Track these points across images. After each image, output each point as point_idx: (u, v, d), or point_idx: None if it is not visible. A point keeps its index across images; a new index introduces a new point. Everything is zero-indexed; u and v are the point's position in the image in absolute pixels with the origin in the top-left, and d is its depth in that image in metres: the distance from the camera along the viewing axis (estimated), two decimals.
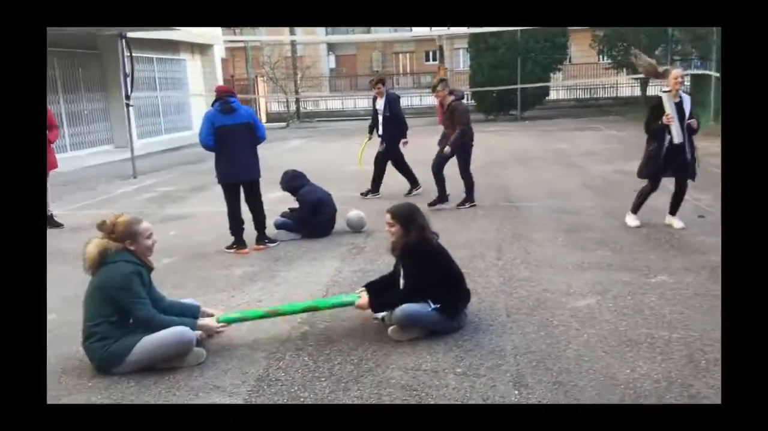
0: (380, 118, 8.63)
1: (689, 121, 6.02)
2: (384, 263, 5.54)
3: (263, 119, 25.65)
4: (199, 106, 22.29)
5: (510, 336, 3.88)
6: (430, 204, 7.51)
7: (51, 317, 4.60)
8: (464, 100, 7.27)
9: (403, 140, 8.69)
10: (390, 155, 8.62)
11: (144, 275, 3.70)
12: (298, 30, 26.27)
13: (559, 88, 25.32)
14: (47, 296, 4.99)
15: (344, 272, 5.36)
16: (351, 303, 3.97)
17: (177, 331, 3.60)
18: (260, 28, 30.45)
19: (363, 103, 28.80)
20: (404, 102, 28.20)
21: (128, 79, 11.11)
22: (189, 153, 15.83)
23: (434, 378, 3.38)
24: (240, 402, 3.24)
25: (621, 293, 4.54)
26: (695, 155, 6.16)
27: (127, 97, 11.31)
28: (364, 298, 3.92)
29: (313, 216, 6.50)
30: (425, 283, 3.86)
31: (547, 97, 22.98)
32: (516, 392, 3.19)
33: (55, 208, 7.85)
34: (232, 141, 5.86)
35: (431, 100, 28.20)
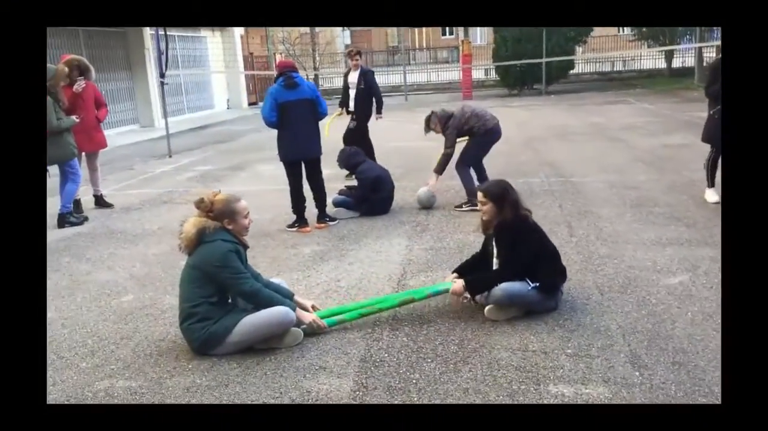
0: (352, 93, 8.20)
1: None
2: (453, 241, 5.46)
3: None
4: (220, 84, 22.17)
5: (611, 315, 3.78)
6: (457, 207, 6.64)
7: (128, 298, 4.56)
8: (452, 120, 6.49)
9: (376, 116, 8.29)
10: (360, 131, 8.13)
11: (242, 253, 3.62)
12: None
13: (581, 62, 24.91)
14: (119, 277, 4.98)
15: (415, 250, 5.28)
16: (446, 290, 3.88)
17: (280, 311, 3.53)
18: None
19: (380, 79, 28.58)
20: (422, 77, 28.14)
21: (163, 57, 10.97)
22: (215, 132, 15.75)
23: (546, 359, 3.30)
24: (350, 383, 3.17)
25: (711, 269, 4.43)
26: None
27: (162, 75, 11.18)
28: (458, 283, 3.83)
29: (373, 194, 6.40)
30: (523, 261, 3.76)
31: (571, 71, 22.64)
32: (637, 373, 3.10)
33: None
34: (296, 117, 5.74)
35: (448, 74, 28.05)
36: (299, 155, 5.91)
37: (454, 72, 28.29)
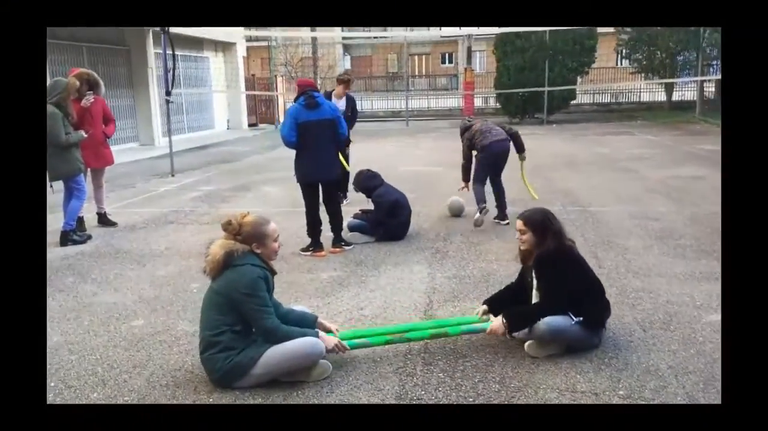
0: None
1: None
2: (476, 269, 5.24)
3: (281, 117, 25.43)
4: (221, 105, 22.05)
5: (658, 354, 3.56)
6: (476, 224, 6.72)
7: (138, 323, 4.30)
8: (467, 132, 6.90)
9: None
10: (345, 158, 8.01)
11: (270, 280, 3.39)
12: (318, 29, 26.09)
13: (581, 93, 24.98)
14: (127, 299, 4.72)
15: (438, 278, 5.05)
16: (483, 330, 3.66)
17: (307, 342, 3.29)
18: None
19: (379, 104, 28.58)
20: (422, 104, 28.17)
21: (170, 75, 10.80)
22: (217, 152, 15.54)
23: (598, 402, 3.06)
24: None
25: None
26: None
27: (168, 93, 11.00)
28: (497, 322, 3.59)
29: (390, 218, 6.19)
30: (566, 295, 3.55)
31: (572, 101, 22.68)
32: None
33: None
34: (315, 138, 5.55)
35: (447, 101, 28.14)
36: (318, 177, 5.70)
37: (453, 99, 28.38)
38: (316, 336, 3.43)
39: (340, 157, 7.78)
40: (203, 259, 3.42)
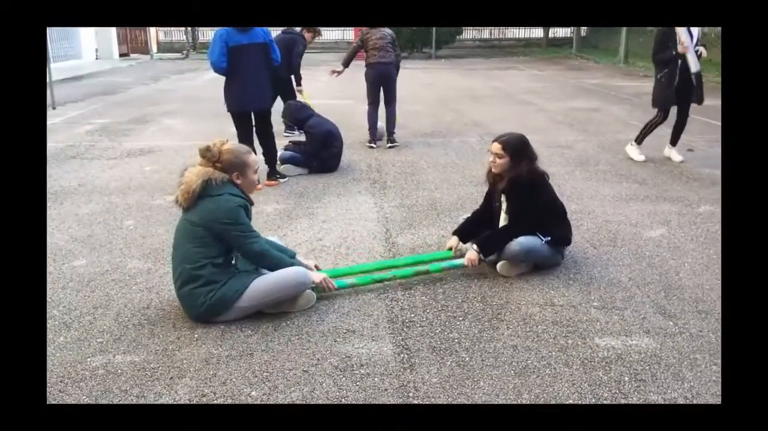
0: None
1: (698, 47, 6.06)
2: (420, 198, 5.29)
3: (154, 48, 23.73)
4: (88, 32, 20.17)
5: (616, 268, 3.82)
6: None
7: (81, 262, 3.97)
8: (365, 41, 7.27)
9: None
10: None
11: (249, 211, 3.21)
12: None
13: (466, 28, 25.36)
14: (59, 239, 4.32)
15: (386, 208, 5.05)
16: (462, 265, 3.71)
17: (296, 271, 3.20)
18: None
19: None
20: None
21: None
22: (95, 83, 14.34)
23: (577, 313, 3.26)
24: (389, 346, 2.95)
25: (683, 223, 4.62)
26: (701, 81, 6.20)
27: None
28: (471, 253, 3.68)
29: (322, 150, 6.05)
30: (536, 216, 3.68)
31: (459, 36, 23.03)
32: (671, 323, 3.14)
33: None
34: (247, 63, 5.24)
35: (332, 34, 27.48)
36: (250, 105, 5.42)
37: (338, 32, 27.77)
38: (306, 267, 3.35)
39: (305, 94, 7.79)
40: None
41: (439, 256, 3.89)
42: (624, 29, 17.97)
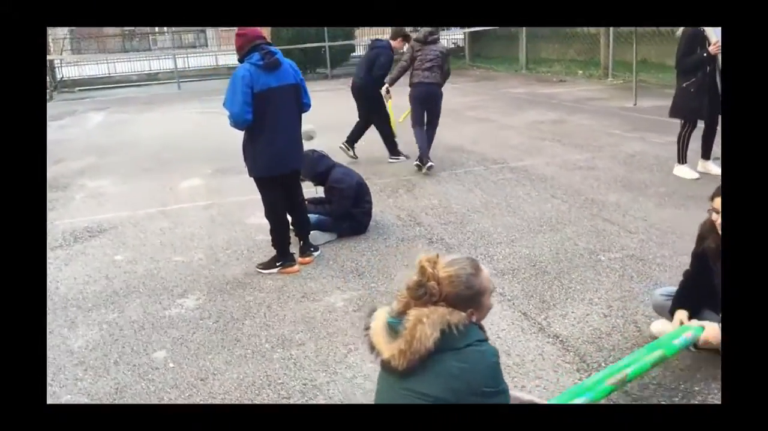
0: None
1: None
2: (510, 257, 4.32)
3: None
4: None
5: None
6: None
7: None
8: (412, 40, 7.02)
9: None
10: None
11: None
12: None
13: (360, 45, 24.69)
14: None
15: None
16: (697, 338, 2.85)
17: None
18: None
19: (123, 67, 24.84)
20: (168, 64, 24.99)
21: None
22: None
23: None
24: None
25: None
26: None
27: None
28: (713, 330, 2.82)
29: (354, 206, 4.86)
30: None
31: (352, 54, 22.33)
32: None
33: None
34: (278, 112, 3.98)
35: (200, 60, 25.69)
36: (284, 167, 4.13)
37: (205, 57, 26.06)
38: None
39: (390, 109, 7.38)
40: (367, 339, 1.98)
41: (670, 337, 2.93)
42: (524, 35, 18.05)
